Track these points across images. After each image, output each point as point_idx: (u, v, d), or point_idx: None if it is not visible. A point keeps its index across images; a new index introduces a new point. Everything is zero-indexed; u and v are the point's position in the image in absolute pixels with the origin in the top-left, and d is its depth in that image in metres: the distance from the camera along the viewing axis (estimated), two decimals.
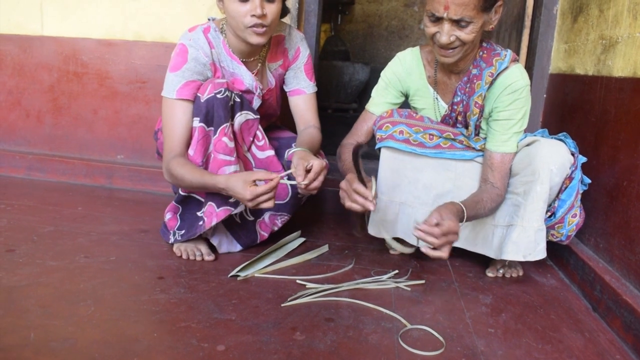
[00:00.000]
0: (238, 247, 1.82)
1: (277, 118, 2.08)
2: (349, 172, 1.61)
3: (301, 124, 1.93)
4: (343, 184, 1.56)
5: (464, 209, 1.55)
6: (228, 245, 1.80)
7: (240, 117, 1.71)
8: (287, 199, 1.86)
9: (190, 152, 1.65)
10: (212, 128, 1.64)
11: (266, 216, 1.87)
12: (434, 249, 1.47)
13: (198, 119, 1.63)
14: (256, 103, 1.82)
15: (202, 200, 1.71)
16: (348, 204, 1.55)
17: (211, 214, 1.65)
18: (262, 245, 1.85)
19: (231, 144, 1.65)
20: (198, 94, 1.64)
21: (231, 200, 1.65)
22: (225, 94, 1.63)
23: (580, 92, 2.00)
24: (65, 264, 1.61)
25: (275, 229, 1.90)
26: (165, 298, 1.43)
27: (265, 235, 1.87)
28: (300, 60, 1.90)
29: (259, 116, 1.78)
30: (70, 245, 1.76)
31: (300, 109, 1.93)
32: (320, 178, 1.59)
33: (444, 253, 1.47)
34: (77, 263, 1.62)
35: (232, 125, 1.70)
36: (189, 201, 1.73)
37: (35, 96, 2.72)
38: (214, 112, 1.62)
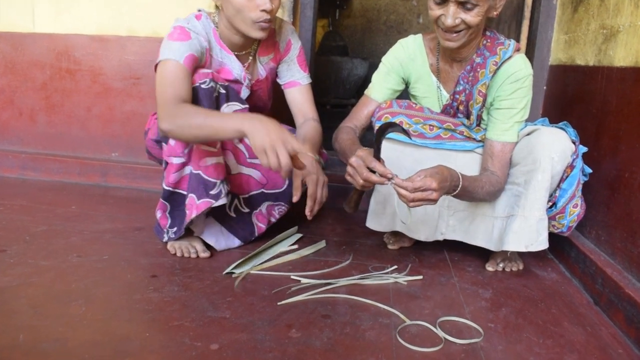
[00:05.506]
0: (237, 242, 1.79)
1: (268, 112, 2.05)
2: (352, 147, 1.56)
3: (300, 117, 1.91)
4: (354, 161, 1.45)
5: (460, 175, 1.51)
6: (226, 241, 1.77)
7: (227, 109, 1.68)
8: (285, 186, 1.83)
9: (172, 142, 1.62)
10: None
11: (263, 207, 1.84)
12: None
13: None
14: (244, 93, 1.80)
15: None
16: (361, 182, 1.44)
17: (191, 206, 1.61)
18: (260, 240, 1.83)
19: None
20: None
21: (212, 192, 1.61)
22: (210, 85, 1.60)
23: (580, 83, 1.97)
24: (57, 263, 1.58)
25: (273, 220, 1.87)
26: (159, 296, 1.40)
27: (263, 227, 1.84)
28: (292, 52, 1.88)
29: (247, 106, 1.75)
30: (63, 245, 1.74)
31: (298, 101, 1.91)
32: (319, 193, 1.67)
33: (409, 198, 1.41)
34: (69, 262, 1.59)
35: None
36: (176, 197, 1.69)
37: (27, 94, 2.69)
38: (197, 102, 1.59)
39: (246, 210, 1.81)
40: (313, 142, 1.77)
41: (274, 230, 1.88)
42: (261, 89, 1.88)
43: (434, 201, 1.43)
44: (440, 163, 1.74)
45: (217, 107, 1.65)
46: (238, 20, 1.62)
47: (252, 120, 1.42)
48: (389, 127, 1.48)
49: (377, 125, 1.76)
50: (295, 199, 1.67)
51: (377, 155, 1.47)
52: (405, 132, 1.48)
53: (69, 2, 2.58)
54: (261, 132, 1.39)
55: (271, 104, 2.01)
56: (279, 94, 1.98)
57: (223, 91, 1.66)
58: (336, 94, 5.45)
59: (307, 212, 1.65)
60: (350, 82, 5.40)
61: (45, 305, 1.32)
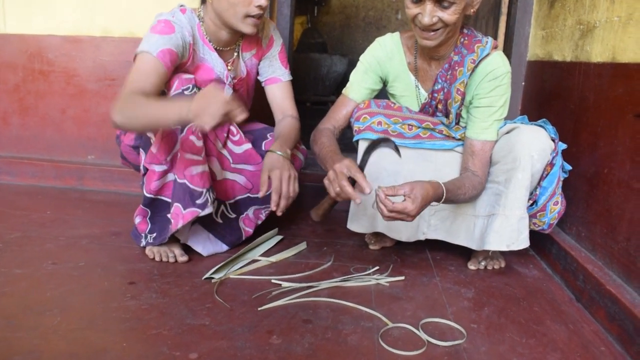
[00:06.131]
0: (224, 247, 1.76)
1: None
2: (335, 157, 1.55)
3: (279, 114, 1.89)
4: (338, 167, 1.46)
5: (445, 191, 1.52)
6: (213, 246, 1.74)
7: None
8: (271, 190, 1.80)
9: (153, 149, 1.58)
10: (179, 126, 1.57)
11: (250, 211, 1.82)
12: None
13: None
14: (227, 93, 1.77)
15: (170, 201, 1.64)
16: (337, 190, 1.45)
17: (177, 216, 1.58)
18: (242, 243, 1.80)
19: (199, 143, 1.58)
20: (164, 90, 1.57)
21: (198, 201, 1.58)
22: (194, 91, 1.57)
23: (558, 79, 1.98)
24: (31, 271, 1.54)
25: (259, 222, 1.85)
26: (136, 304, 1.37)
27: (250, 231, 1.82)
28: (274, 49, 1.87)
29: None
30: (38, 252, 1.69)
31: (277, 98, 1.89)
32: (285, 188, 1.62)
33: (385, 215, 1.44)
34: (44, 270, 1.55)
35: None
36: (158, 203, 1.66)
37: (0, 97, 2.62)
38: None
39: (233, 215, 1.79)
40: (286, 138, 1.75)
41: (256, 232, 1.86)
42: (242, 87, 1.86)
43: (410, 220, 1.46)
44: (420, 163, 1.75)
45: None
46: (229, 15, 1.60)
47: (191, 105, 1.35)
48: (380, 142, 1.47)
49: (355, 126, 1.74)
50: (261, 194, 1.65)
51: (360, 168, 1.49)
52: (397, 150, 1.47)
53: (41, 2, 2.52)
54: (212, 94, 1.36)
55: (251, 104, 1.98)
56: (258, 94, 1.95)
57: None
58: (315, 91, 5.43)
59: (273, 206, 1.62)
60: (329, 79, 5.39)
61: (18, 316, 1.28)
